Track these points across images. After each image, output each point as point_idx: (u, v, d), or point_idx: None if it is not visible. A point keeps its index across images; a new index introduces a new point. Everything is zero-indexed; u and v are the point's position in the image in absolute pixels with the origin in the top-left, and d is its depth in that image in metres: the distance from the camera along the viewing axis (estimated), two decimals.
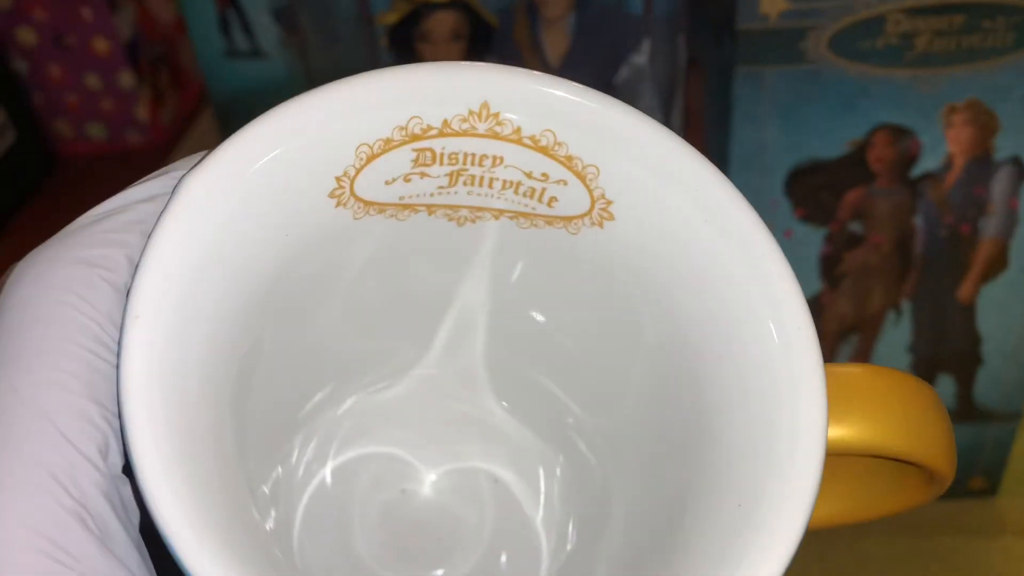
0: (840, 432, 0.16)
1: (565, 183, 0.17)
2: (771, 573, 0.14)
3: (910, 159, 0.35)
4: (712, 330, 0.17)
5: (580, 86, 0.17)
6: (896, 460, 0.18)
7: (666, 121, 0.40)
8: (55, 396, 0.15)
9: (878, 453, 0.17)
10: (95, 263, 0.16)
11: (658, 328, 0.18)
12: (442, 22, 0.36)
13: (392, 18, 0.36)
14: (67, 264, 0.16)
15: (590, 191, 0.17)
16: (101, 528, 0.15)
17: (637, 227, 0.17)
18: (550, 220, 0.18)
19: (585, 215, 0.18)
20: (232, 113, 0.70)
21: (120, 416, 0.15)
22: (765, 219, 0.37)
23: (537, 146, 0.17)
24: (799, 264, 0.38)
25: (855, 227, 0.37)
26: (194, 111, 0.79)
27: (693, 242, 0.17)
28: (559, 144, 0.17)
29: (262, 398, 0.19)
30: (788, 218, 0.37)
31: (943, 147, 0.35)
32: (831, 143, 0.35)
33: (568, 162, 0.17)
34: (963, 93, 0.34)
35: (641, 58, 0.39)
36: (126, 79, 0.72)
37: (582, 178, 0.17)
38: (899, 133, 0.34)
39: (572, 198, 0.18)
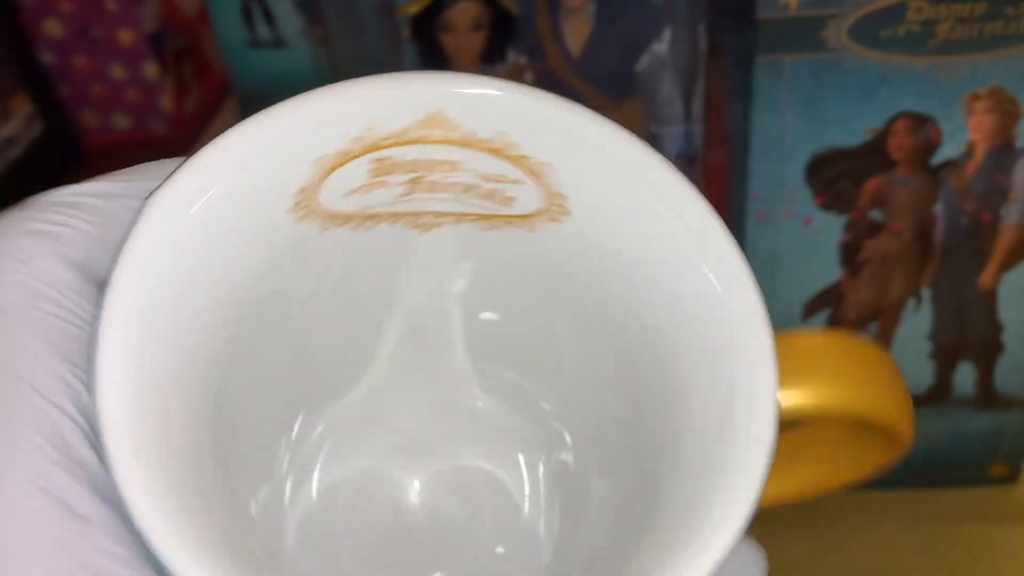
0: (797, 398, 0.17)
1: (520, 183, 0.18)
2: (726, 540, 0.15)
3: (931, 147, 0.35)
4: (669, 312, 0.18)
5: (528, 88, 0.17)
6: (854, 423, 0.18)
7: (687, 109, 0.40)
8: (25, 358, 0.16)
9: (835, 415, 0.18)
10: (45, 234, 0.17)
11: (619, 316, 0.19)
12: (464, 12, 0.36)
13: (414, 8, 0.36)
14: (17, 235, 0.17)
15: (545, 188, 0.18)
16: (92, 477, 0.16)
17: (592, 221, 0.18)
18: (509, 220, 0.19)
19: (542, 212, 0.18)
20: (256, 103, 0.70)
21: (95, 419, 0.15)
22: (785, 206, 0.38)
23: (491, 148, 0.17)
24: (819, 251, 0.38)
25: (875, 215, 0.37)
26: (218, 101, 0.80)
27: (645, 230, 0.18)
28: (512, 145, 0.17)
29: (241, 413, 0.19)
30: (808, 206, 0.37)
31: (964, 135, 0.35)
32: (851, 131, 0.35)
33: (522, 162, 0.18)
34: (985, 81, 0.34)
35: (662, 46, 0.39)
36: (150, 70, 0.72)
37: (536, 176, 0.18)
38: (920, 121, 0.34)
39: (528, 197, 0.18)
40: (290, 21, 0.68)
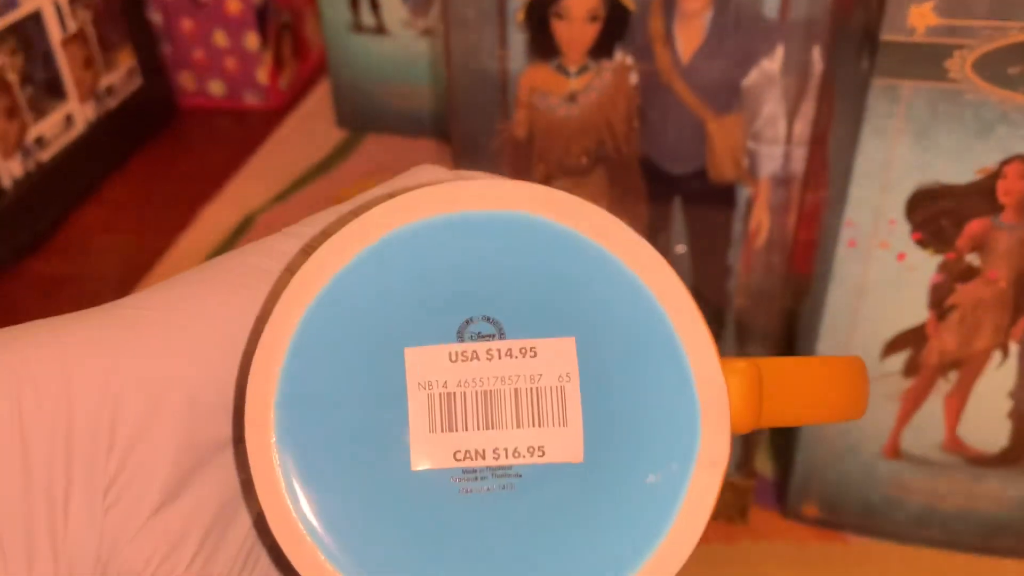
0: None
1: None
2: None
3: None
4: None
5: None
6: None
7: (788, 131, 0.40)
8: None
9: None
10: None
11: None
12: (581, 1, 0.36)
13: None
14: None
15: None
16: None
17: None
18: None
19: None
20: (349, 85, 0.71)
21: None
22: (880, 238, 0.37)
23: None
24: (908, 289, 0.37)
25: (972, 259, 0.36)
26: (311, 81, 0.81)
27: None
28: None
29: None
30: (904, 240, 0.36)
31: None
32: (961, 168, 0.34)
33: None
34: None
35: (773, 64, 0.38)
36: (251, 41, 0.74)
37: None
38: None
39: None
40: (395, 10, 0.69)
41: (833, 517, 0.44)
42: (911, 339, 0.38)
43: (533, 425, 0.17)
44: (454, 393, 0.17)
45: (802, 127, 0.40)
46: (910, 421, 0.40)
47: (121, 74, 0.70)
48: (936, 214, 0.35)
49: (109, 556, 0.17)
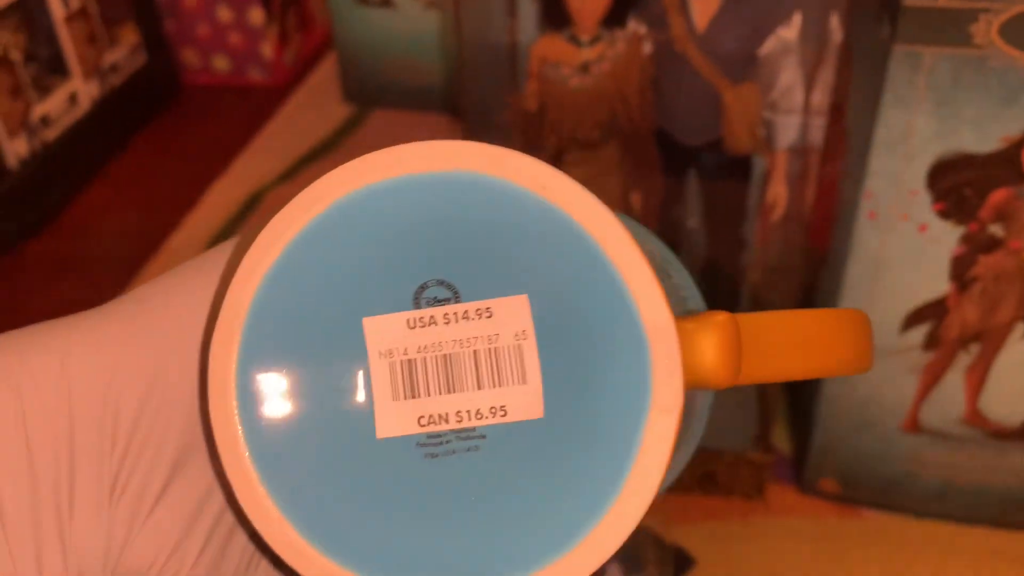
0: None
1: None
2: None
3: None
4: None
5: None
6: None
7: (806, 100, 0.39)
8: None
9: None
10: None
11: None
12: None
13: None
14: None
15: None
16: None
17: None
18: None
19: None
20: (355, 60, 0.70)
21: None
22: (901, 209, 0.36)
23: None
24: (929, 261, 0.36)
25: (995, 229, 0.35)
26: (316, 56, 0.80)
27: None
28: None
29: None
30: (925, 211, 0.35)
31: None
32: (984, 136, 0.33)
33: None
34: None
35: (790, 32, 0.37)
36: (256, 16, 0.73)
37: None
38: None
39: None
40: None
41: (851, 492, 0.43)
42: (932, 312, 0.37)
43: (494, 385, 0.17)
44: (415, 360, 0.17)
45: (820, 96, 0.39)
46: (930, 395, 0.40)
47: (125, 51, 0.70)
48: (959, 184, 0.34)
49: (119, 553, 0.17)
